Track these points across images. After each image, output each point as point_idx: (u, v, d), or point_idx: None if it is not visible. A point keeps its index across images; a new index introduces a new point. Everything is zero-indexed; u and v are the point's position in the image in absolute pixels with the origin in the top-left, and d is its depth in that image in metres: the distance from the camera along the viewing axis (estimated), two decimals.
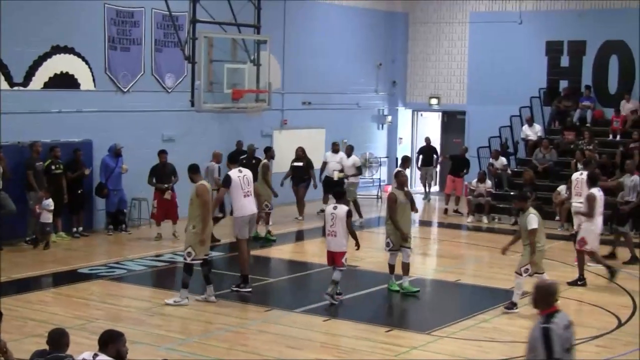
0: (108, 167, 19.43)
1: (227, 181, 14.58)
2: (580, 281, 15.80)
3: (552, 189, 21.82)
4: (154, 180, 19.23)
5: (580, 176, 17.95)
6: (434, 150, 26.74)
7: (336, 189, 15.79)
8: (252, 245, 16.39)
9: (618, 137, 24.17)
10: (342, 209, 13.97)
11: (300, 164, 21.83)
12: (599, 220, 16.02)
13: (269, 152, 20.62)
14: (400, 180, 14.88)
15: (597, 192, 16.02)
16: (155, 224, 19.38)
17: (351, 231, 14.04)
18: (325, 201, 21.91)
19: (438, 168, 27.38)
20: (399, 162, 28.28)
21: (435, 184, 27.15)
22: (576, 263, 17.48)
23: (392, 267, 14.83)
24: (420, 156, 26.46)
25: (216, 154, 19.77)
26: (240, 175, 14.60)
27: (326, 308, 13.71)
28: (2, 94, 17.84)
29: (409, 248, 14.75)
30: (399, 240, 14.64)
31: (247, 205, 14.53)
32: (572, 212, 18.09)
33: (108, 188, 19.36)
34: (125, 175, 19.64)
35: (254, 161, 20.66)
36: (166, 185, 19.01)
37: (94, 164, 19.54)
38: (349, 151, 22.60)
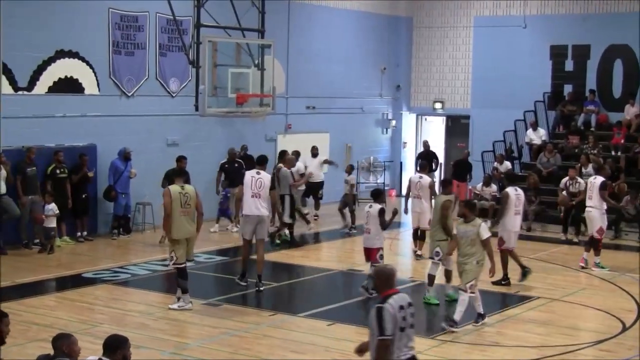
0: (117, 170, 19.50)
1: (242, 180, 15.12)
2: (504, 281, 15.84)
3: (556, 193, 21.79)
4: (167, 184, 19.05)
5: (594, 180, 17.95)
6: (433, 155, 26.29)
7: (374, 189, 16.14)
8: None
9: (619, 153, 23.88)
10: (376, 207, 14.47)
11: None
12: (516, 219, 16.06)
13: (284, 157, 20.27)
14: (449, 189, 15.16)
15: (512, 191, 16.09)
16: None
17: (384, 228, 14.48)
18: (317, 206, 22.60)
19: (437, 173, 27.11)
20: (402, 166, 28.70)
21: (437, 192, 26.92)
22: (582, 264, 17.56)
23: (432, 279, 14.64)
24: (419, 161, 26.18)
25: (288, 159, 19.90)
26: (255, 176, 14.90)
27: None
28: (7, 98, 17.86)
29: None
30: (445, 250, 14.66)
31: (252, 206, 14.77)
32: (585, 216, 18.14)
33: (116, 190, 19.40)
34: (131, 180, 19.68)
35: (236, 165, 20.67)
36: None
37: (98, 169, 19.57)
38: (296, 156, 21.54)
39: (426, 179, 18.31)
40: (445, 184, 15.61)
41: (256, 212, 14.75)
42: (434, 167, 26.02)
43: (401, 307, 7.39)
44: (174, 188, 13.75)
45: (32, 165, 18.10)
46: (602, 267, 17.35)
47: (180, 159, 18.93)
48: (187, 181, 14.20)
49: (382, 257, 14.57)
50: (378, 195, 14.89)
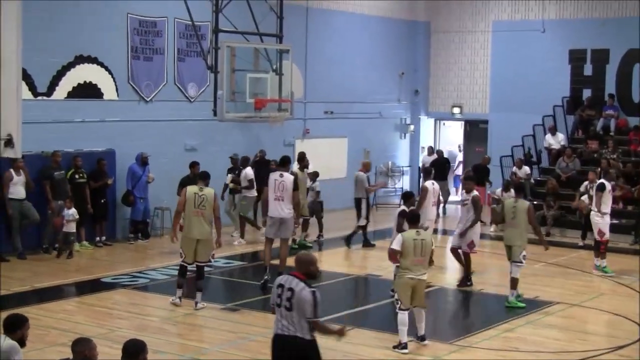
0: (135, 175, 19.56)
1: (267, 183, 15.66)
2: (469, 282, 16.03)
3: (575, 198, 21.68)
4: None
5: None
6: (447, 162, 26.26)
7: (405, 191, 16.28)
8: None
9: None
10: (398, 210, 14.76)
11: None
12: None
13: (302, 162, 19.95)
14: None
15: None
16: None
17: (398, 230, 14.29)
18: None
19: (451, 179, 27.02)
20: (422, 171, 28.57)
21: (457, 194, 26.85)
22: (594, 271, 17.50)
23: (516, 282, 14.63)
24: (433, 169, 25.92)
25: (365, 163, 20.10)
26: (278, 179, 15.34)
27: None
28: (26, 103, 17.85)
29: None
30: None
31: (274, 208, 15.29)
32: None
33: (134, 195, 19.46)
34: (149, 185, 19.73)
35: (237, 172, 20.64)
36: None
37: (117, 174, 19.63)
38: (245, 163, 20.81)
39: (437, 185, 18.22)
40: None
41: (278, 214, 15.26)
42: (449, 174, 26.02)
43: (280, 286, 8.39)
44: (191, 188, 14.13)
45: (59, 169, 18.19)
46: (605, 271, 17.25)
47: (194, 165, 18.98)
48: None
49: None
50: (407, 198, 15.02)
